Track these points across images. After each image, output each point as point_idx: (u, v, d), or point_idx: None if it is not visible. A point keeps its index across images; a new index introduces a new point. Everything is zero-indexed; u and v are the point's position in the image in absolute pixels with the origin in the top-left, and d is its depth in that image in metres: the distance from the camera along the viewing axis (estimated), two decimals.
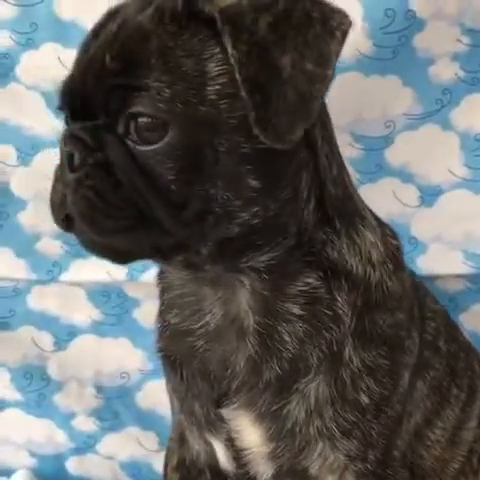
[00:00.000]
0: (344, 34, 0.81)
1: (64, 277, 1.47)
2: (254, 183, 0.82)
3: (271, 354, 0.92)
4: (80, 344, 1.52)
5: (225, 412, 0.96)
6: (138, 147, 0.80)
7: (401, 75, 1.31)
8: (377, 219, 1.00)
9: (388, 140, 1.35)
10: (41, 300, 1.50)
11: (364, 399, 0.93)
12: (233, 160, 0.81)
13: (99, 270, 1.43)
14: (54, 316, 1.51)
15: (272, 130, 0.78)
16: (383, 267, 0.95)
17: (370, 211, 0.99)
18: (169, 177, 0.80)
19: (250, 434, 0.96)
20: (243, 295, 0.92)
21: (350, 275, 0.92)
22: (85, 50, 0.85)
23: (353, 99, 1.29)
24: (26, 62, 1.37)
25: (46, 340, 1.52)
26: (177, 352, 0.99)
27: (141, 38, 0.80)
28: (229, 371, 0.94)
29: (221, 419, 0.98)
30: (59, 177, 0.84)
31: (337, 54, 0.81)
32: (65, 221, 0.84)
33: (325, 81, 0.80)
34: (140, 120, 0.80)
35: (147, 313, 1.45)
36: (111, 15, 0.85)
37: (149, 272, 1.37)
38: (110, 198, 0.80)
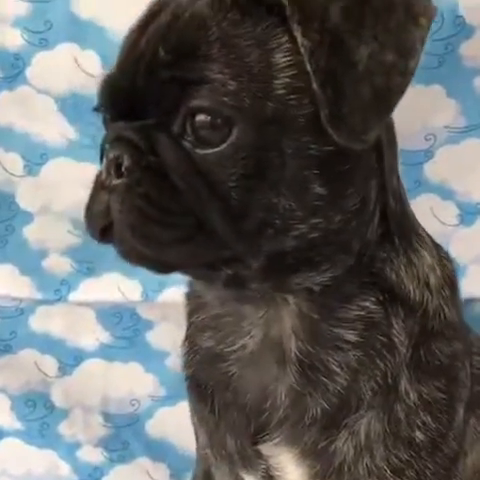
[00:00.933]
0: (429, 21, 0.74)
1: (73, 297, 1.39)
2: (320, 190, 0.74)
3: (316, 386, 0.84)
4: (87, 369, 1.44)
5: (264, 448, 0.88)
6: (197, 150, 0.72)
7: (445, 85, 1.25)
8: (431, 239, 0.93)
9: (428, 154, 1.29)
10: (45, 321, 1.42)
11: (419, 436, 0.85)
12: (300, 163, 0.73)
13: (112, 290, 1.36)
14: (59, 339, 1.43)
15: (346, 129, 0.71)
16: (441, 293, 0.88)
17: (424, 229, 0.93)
18: (230, 184, 0.72)
19: (292, 472, 0.88)
20: (288, 316, 0.84)
21: (408, 300, 0.85)
22: (132, 44, 0.76)
23: None
24: (38, 63, 1.29)
25: (50, 365, 1.44)
26: (208, 380, 0.91)
27: (199, 27, 0.72)
28: (269, 403, 0.86)
29: (259, 455, 0.89)
30: (101, 185, 0.75)
31: (422, 43, 0.73)
32: (102, 231, 0.76)
33: (407, 74, 0.72)
34: (198, 118, 0.71)
35: (161, 336, 1.40)
36: (162, 4, 0.77)
37: (166, 292, 1.33)
38: (166, 206, 0.72)
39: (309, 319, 0.83)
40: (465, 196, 1.31)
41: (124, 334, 1.41)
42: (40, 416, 1.45)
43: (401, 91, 0.72)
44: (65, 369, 1.43)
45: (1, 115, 1.32)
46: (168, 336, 1.38)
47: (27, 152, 1.34)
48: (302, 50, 0.70)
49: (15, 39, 1.27)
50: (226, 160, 0.71)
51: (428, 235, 0.91)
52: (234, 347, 0.87)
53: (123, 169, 0.73)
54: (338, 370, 0.83)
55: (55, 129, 1.31)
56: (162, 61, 0.72)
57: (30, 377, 1.43)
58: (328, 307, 0.83)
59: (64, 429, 1.46)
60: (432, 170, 1.30)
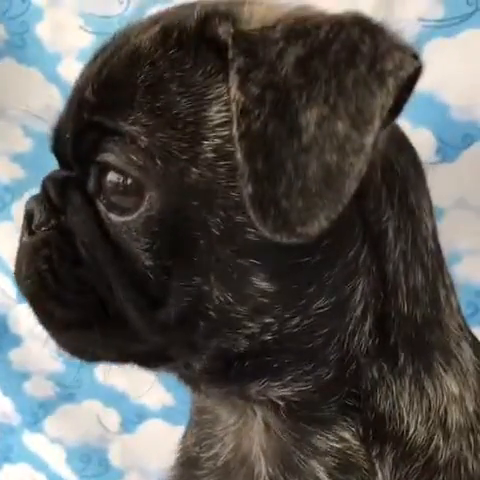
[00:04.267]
0: (399, 84, 0.55)
1: None
2: (264, 285, 0.59)
3: None
4: (149, 429, 1.34)
5: None
6: (110, 214, 0.61)
7: None
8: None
9: None
10: (111, 374, 1.33)
11: None
12: (232, 248, 0.58)
13: None
14: (123, 393, 1.34)
15: (276, 216, 0.54)
16: (467, 436, 0.66)
17: (473, 342, 0.70)
18: (145, 262, 0.59)
19: None
20: (256, 431, 0.69)
21: (401, 440, 0.65)
22: (75, 83, 0.67)
23: None
24: None
25: (112, 418, 1.35)
26: None
27: (131, 65, 0.61)
28: None
29: None
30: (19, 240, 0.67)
31: (382, 112, 0.54)
32: None
33: (361, 153, 0.54)
34: (109, 177, 0.60)
35: None
36: (115, 36, 0.67)
37: None
38: (64, 277, 0.61)
39: (278, 441, 0.68)
40: None
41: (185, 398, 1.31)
42: (94, 473, 1.36)
43: (356, 175, 0.54)
44: (127, 426, 1.34)
45: None
46: None
47: None
48: (233, 106, 0.55)
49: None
50: (137, 232, 0.59)
51: (473, 353, 0.69)
52: (209, 454, 0.75)
53: (33, 226, 0.64)
54: None
55: None
56: (87, 103, 0.62)
57: (89, 430, 1.36)
58: (300, 430, 0.66)
59: None
60: None
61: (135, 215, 0.59)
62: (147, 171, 0.58)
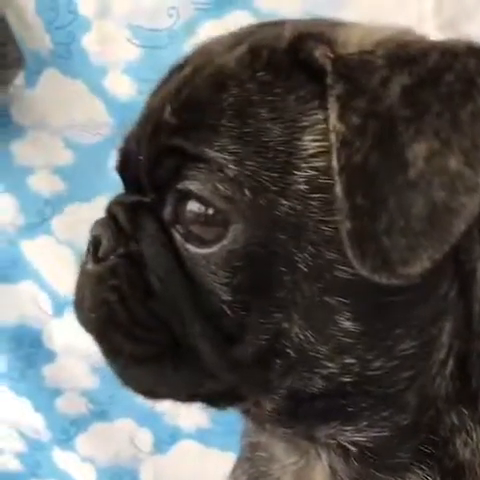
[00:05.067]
0: None
1: None
2: (348, 324, 0.56)
3: None
4: (182, 450, 1.31)
5: None
6: (188, 245, 0.57)
7: None
8: None
9: None
10: None
11: None
12: (319, 286, 0.55)
13: None
14: (157, 412, 1.31)
15: (376, 255, 0.51)
16: None
17: None
18: (223, 296, 0.56)
19: None
20: (319, 473, 0.65)
21: None
22: (147, 103, 0.63)
23: None
24: None
25: (145, 438, 1.32)
26: None
27: (216, 86, 0.57)
28: None
29: None
30: (82, 267, 0.63)
31: None
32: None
33: (475, 192, 0.50)
34: (190, 206, 0.56)
35: None
36: (190, 56, 0.63)
37: None
38: (134, 309, 0.58)
39: None
40: None
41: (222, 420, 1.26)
42: None
43: (466, 215, 0.50)
44: (160, 446, 1.31)
45: None
46: None
47: None
48: (332, 136, 0.52)
49: (129, 87, 1.20)
50: (218, 266, 0.55)
51: None
52: None
53: (100, 253, 0.60)
54: None
55: None
56: (166, 124, 0.58)
57: (122, 449, 1.33)
58: (369, 477, 0.62)
59: None
60: None
61: (217, 248, 0.55)
62: (234, 202, 0.54)
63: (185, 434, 1.31)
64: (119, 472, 1.33)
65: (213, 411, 1.25)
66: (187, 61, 0.62)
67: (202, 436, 1.29)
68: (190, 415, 1.29)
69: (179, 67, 0.62)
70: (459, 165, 0.50)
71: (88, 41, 1.20)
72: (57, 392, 1.34)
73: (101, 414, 1.33)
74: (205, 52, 0.61)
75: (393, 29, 0.57)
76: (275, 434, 0.66)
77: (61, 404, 1.34)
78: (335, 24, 0.59)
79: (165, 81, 0.63)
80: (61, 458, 1.36)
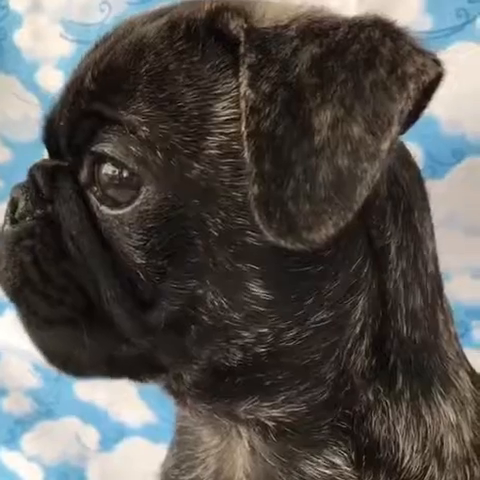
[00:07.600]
0: (420, 88, 0.52)
1: None
2: (260, 292, 0.56)
3: None
4: (129, 447, 1.31)
5: None
6: (103, 207, 0.58)
7: None
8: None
9: None
10: (90, 389, 1.31)
11: None
12: (230, 251, 0.55)
13: None
14: (102, 410, 1.31)
15: (282, 220, 0.52)
16: (462, 467, 0.63)
17: (471, 371, 0.67)
18: (137, 260, 0.56)
19: None
20: (241, 454, 0.66)
21: (395, 468, 0.61)
22: (72, 71, 0.64)
23: None
24: None
25: (91, 436, 1.32)
26: None
27: (135, 53, 0.58)
28: None
29: None
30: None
31: (401, 117, 0.52)
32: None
33: (377, 158, 0.51)
34: (104, 169, 0.57)
35: None
36: (117, 27, 0.65)
37: None
38: (49, 270, 0.58)
39: (263, 465, 0.64)
40: None
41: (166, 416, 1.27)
42: None
43: (368, 181, 0.51)
44: (106, 443, 1.31)
45: None
46: None
47: None
48: (242, 103, 0.53)
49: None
50: (131, 227, 0.56)
51: (471, 381, 0.66)
52: (190, 476, 0.71)
53: (16, 214, 0.61)
54: None
55: None
56: (86, 90, 0.59)
57: (68, 448, 1.32)
58: (288, 453, 0.63)
59: None
60: None
61: (129, 209, 0.56)
62: (146, 163, 0.55)
63: (131, 431, 1.30)
64: (66, 471, 1.33)
65: (159, 407, 1.26)
66: (112, 33, 0.64)
67: (149, 432, 1.29)
68: (136, 411, 1.29)
69: (105, 38, 0.64)
70: (361, 132, 0.51)
71: (20, 37, 1.19)
72: (1, 392, 1.34)
73: (46, 413, 1.32)
74: (129, 23, 0.63)
75: (308, 7, 0.59)
76: (196, 411, 0.66)
77: (6, 404, 1.33)
78: (256, 1, 0.60)
79: (90, 52, 0.64)
80: (8, 459, 1.35)
